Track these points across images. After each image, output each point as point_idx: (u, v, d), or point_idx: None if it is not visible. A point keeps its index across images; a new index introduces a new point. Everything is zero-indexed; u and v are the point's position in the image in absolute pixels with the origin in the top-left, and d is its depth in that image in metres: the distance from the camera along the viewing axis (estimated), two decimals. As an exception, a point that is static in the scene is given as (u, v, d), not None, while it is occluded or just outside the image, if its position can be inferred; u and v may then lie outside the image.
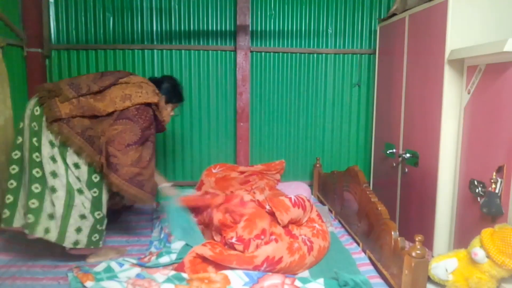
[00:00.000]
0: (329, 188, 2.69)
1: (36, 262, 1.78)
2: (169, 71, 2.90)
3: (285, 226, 1.84)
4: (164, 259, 1.77)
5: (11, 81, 2.24)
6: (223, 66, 2.96)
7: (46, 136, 1.69)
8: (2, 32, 2.28)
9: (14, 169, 1.74)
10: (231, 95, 2.99)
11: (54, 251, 1.84)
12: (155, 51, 2.88)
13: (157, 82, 2.01)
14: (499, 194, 1.63)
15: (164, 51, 2.89)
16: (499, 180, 1.63)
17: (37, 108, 1.71)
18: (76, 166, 1.73)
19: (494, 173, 1.65)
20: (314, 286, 1.50)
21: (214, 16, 2.92)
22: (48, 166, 1.68)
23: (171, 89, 2.06)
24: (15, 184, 1.74)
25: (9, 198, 1.73)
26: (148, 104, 1.85)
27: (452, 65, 1.93)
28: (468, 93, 1.87)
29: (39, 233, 1.67)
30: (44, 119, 1.70)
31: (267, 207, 1.84)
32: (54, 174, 1.69)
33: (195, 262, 1.61)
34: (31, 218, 1.66)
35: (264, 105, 3.04)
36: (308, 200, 1.99)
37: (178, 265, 1.62)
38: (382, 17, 2.81)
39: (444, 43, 1.92)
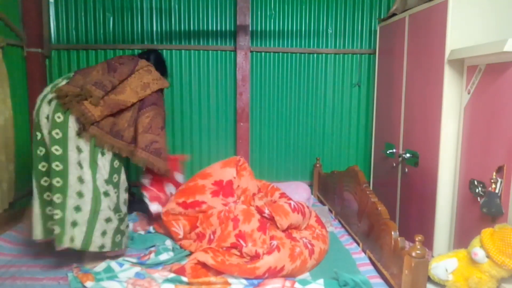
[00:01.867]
0: (329, 188, 2.69)
1: (36, 262, 1.77)
2: (169, 71, 2.89)
3: (284, 230, 1.84)
4: (163, 256, 1.79)
5: (11, 81, 2.25)
6: (223, 66, 2.96)
7: (74, 142, 1.64)
8: (2, 32, 2.28)
9: (47, 181, 1.67)
10: (231, 95, 2.99)
11: (54, 251, 1.83)
12: (155, 51, 2.88)
13: (146, 55, 2.14)
14: (499, 194, 1.63)
15: (164, 51, 2.88)
16: (499, 180, 1.63)
17: (59, 114, 1.63)
18: (105, 166, 1.72)
19: (494, 173, 1.65)
20: (314, 287, 1.50)
21: (214, 16, 2.92)
22: (76, 172, 1.65)
23: (159, 63, 2.17)
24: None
25: (57, 214, 1.63)
26: (161, 89, 1.98)
27: (452, 65, 1.93)
28: (468, 93, 1.87)
29: (66, 243, 1.61)
30: (69, 125, 1.63)
31: (266, 211, 1.84)
32: (81, 180, 1.66)
33: (196, 268, 1.61)
34: (57, 229, 1.61)
35: (264, 105, 3.04)
36: (308, 207, 1.99)
37: (178, 270, 1.62)
38: (382, 17, 2.81)
39: (444, 43, 1.92)
